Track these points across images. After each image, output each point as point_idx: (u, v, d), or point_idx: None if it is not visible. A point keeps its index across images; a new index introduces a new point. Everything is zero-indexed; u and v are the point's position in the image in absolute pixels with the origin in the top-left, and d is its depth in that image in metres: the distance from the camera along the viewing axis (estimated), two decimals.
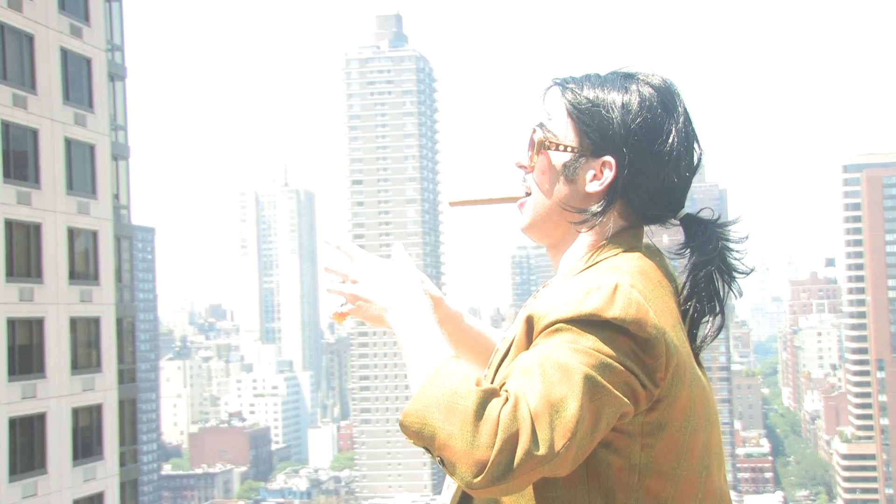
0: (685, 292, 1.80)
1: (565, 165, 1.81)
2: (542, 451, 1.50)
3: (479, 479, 1.49)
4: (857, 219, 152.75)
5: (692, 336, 1.81)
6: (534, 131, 1.85)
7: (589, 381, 1.56)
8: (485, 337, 2.16)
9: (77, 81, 29.39)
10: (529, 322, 1.69)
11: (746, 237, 1.83)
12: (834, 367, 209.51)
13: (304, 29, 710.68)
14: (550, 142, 1.82)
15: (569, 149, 1.80)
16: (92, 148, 29.68)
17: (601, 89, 1.80)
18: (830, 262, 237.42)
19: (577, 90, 1.82)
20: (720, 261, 1.80)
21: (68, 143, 28.51)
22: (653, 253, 1.82)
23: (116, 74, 33.03)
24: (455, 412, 1.52)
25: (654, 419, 1.66)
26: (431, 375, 1.59)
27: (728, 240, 1.82)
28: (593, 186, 1.79)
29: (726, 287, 1.82)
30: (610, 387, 1.58)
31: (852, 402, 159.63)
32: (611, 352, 1.60)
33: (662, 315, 1.67)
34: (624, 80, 1.82)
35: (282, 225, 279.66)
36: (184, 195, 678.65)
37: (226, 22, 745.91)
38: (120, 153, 32.82)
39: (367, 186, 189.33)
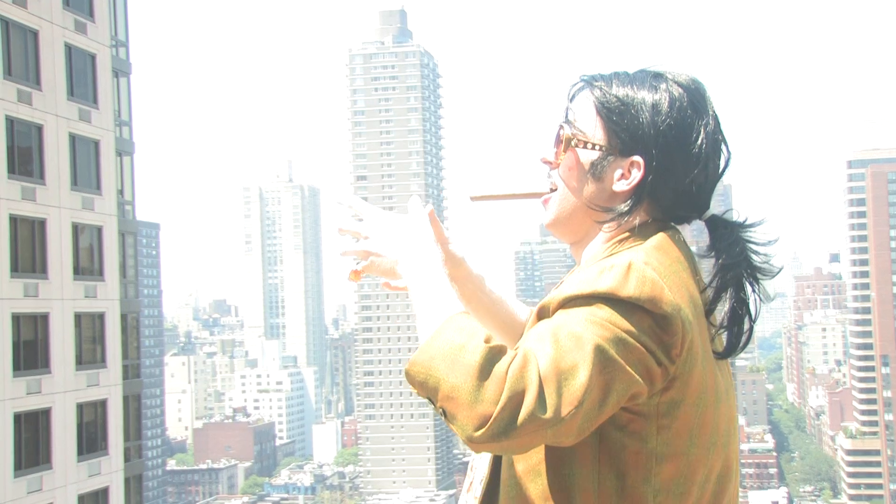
0: (711, 293, 1.77)
1: (593, 163, 1.80)
2: (546, 414, 1.49)
3: (479, 432, 1.48)
4: (861, 214, 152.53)
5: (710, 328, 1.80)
6: (561, 128, 1.84)
7: (601, 353, 1.55)
8: (504, 304, 2.15)
9: (81, 77, 29.42)
10: (542, 312, 1.69)
11: (776, 240, 1.82)
12: (838, 363, 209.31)
13: (309, 24, 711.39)
14: (578, 139, 1.81)
15: (597, 147, 1.79)
16: (96, 144, 29.72)
17: (631, 88, 1.79)
18: (835, 258, 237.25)
19: (605, 88, 1.80)
20: (746, 264, 1.78)
21: (73, 138, 28.54)
22: (673, 232, 1.80)
23: (121, 70, 33.04)
24: (461, 365, 1.51)
25: (670, 398, 1.65)
26: (440, 327, 1.58)
27: (754, 242, 1.80)
28: (620, 185, 1.78)
29: (752, 291, 1.80)
30: (622, 362, 1.57)
31: (857, 398, 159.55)
32: (628, 327, 1.59)
33: (678, 291, 1.66)
34: (653, 79, 1.80)
35: (286, 221, 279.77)
36: (188, 191, 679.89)
37: (230, 18, 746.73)
38: (124, 149, 32.84)
39: (371, 182, 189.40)
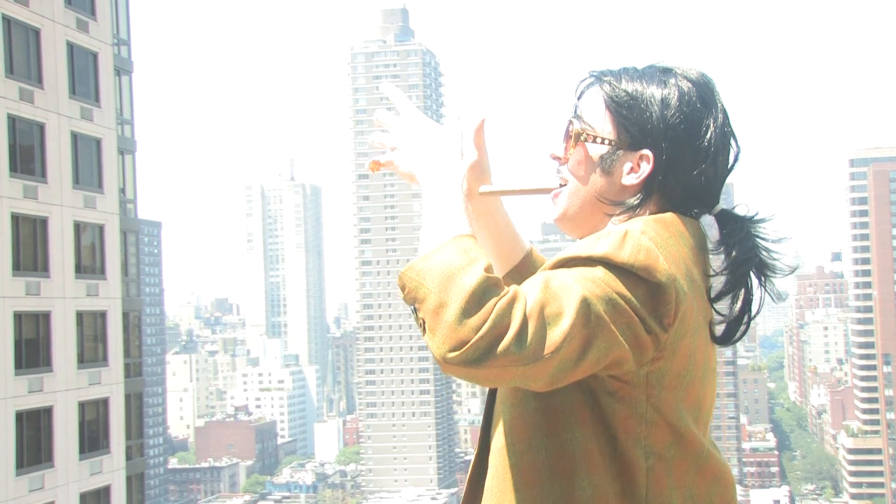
0: (721, 286, 1.77)
1: (602, 158, 1.81)
2: (522, 351, 1.51)
3: (454, 354, 1.50)
4: (863, 213, 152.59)
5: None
6: (570, 123, 1.86)
7: (588, 306, 1.56)
8: (511, 230, 2.12)
9: (83, 76, 29.43)
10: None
11: (788, 237, 1.82)
12: (840, 362, 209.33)
13: (310, 23, 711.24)
14: (588, 134, 1.82)
15: (606, 141, 1.81)
16: (98, 142, 29.72)
17: (640, 83, 1.81)
18: (837, 257, 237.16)
19: (615, 83, 1.82)
20: (757, 260, 1.79)
21: (75, 137, 28.55)
22: (683, 214, 1.80)
23: (123, 69, 33.03)
24: (455, 285, 1.53)
25: (659, 367, 1.66)
26: (445, 243, 1.60)
27: (764, 238, 1.81)
28: (630, 179, 1.79)
29: (761, 286, 1.80)
30: (609, 321, 1.58)
31: (858, 397, 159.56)
32: (621, 290, 1.60)
33: (674, 262, 1.66)
34: (662, 73, 1.82)
35: (288, 219, 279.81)
36: (190, 189, 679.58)
37: (231, 16, 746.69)
38: (126, 147, 32.85)
39: (372, 181, 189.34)
